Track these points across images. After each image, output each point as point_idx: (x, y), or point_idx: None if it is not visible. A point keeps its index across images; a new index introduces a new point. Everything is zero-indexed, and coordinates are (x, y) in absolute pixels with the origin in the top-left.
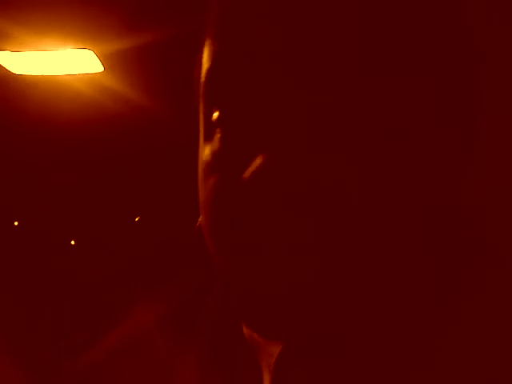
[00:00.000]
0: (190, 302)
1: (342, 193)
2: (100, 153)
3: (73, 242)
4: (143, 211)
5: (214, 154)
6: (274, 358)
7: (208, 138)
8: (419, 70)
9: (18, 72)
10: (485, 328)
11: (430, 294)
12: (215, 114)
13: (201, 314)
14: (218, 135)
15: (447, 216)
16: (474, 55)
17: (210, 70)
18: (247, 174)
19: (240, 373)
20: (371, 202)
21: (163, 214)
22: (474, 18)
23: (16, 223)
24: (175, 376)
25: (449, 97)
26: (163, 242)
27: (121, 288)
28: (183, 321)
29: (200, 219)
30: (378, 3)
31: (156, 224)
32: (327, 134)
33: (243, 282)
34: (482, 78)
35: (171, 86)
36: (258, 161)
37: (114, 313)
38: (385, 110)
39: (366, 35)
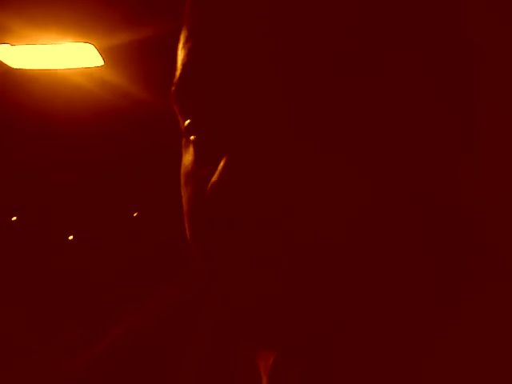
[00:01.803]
0: (189, 302)
1: (317, 202)
2: (100, 147)
3: (71, 237)
4: (143, 207)
5: (189, 162)
6: (270, 361)
7: (185, 145)
8: (418, 70)
9: (17, 66)
10: (485, 328)
11: (430, 295)
12: (187, 121)
13: (201, 315)
14: (191, 143)
15: (447, 216)
16: (473, 54)
17: (180, 78)
18: (209, 184)
19: (239, 375)
20: (368, 201)
21: (163, 210)
22: (474, 17)
23: (14, 218)
24: (174, 376)
25: (448, 97)
26: (163, 240)
27: (120, 286)
28: (183, 320)
29: None
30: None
31: (156, 221)
32: (298, 141)
33: (220, 294)
34: (482, 77)
35: (171, 80)
36: (217, 172)
37: (112, 311)
38: (381, 111)
39: (360, 33)
